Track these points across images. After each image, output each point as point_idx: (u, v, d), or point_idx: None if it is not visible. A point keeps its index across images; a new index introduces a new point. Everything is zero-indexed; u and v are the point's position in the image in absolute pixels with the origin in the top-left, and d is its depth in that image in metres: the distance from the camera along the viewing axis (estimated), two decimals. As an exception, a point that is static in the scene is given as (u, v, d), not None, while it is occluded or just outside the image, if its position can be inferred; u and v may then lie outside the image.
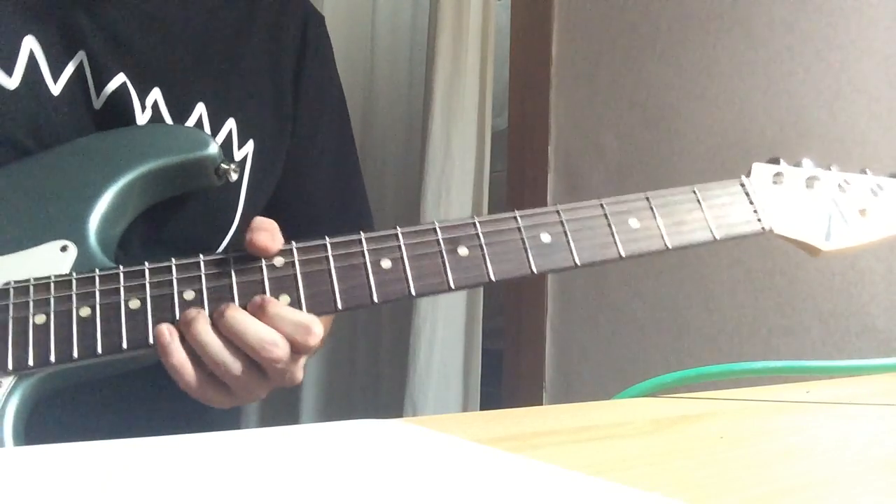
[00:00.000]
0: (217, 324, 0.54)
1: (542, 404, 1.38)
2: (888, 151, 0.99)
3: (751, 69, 1.15)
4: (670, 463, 0.38)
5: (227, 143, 0.73)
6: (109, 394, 0.69)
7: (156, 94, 0.70)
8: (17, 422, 0.54)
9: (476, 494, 0.27)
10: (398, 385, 1.52)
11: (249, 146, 0.74)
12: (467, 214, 1.50)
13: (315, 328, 0.55)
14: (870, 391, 0.64)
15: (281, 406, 1.68)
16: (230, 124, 0.73)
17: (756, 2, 1.15)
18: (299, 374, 0.58)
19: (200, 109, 0.72)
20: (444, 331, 1.48)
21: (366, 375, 1.71)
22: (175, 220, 0.69)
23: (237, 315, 0.54)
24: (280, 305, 0.55)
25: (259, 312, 0.55)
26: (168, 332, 0.54)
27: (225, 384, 0.56)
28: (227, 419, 0.84)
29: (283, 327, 0.55)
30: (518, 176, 1.50)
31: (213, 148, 0.64)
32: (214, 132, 0.72)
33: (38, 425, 0.57)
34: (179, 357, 0.54)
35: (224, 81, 0.74)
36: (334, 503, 0.26)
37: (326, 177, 0.82)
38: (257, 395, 0.58)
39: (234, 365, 0.54)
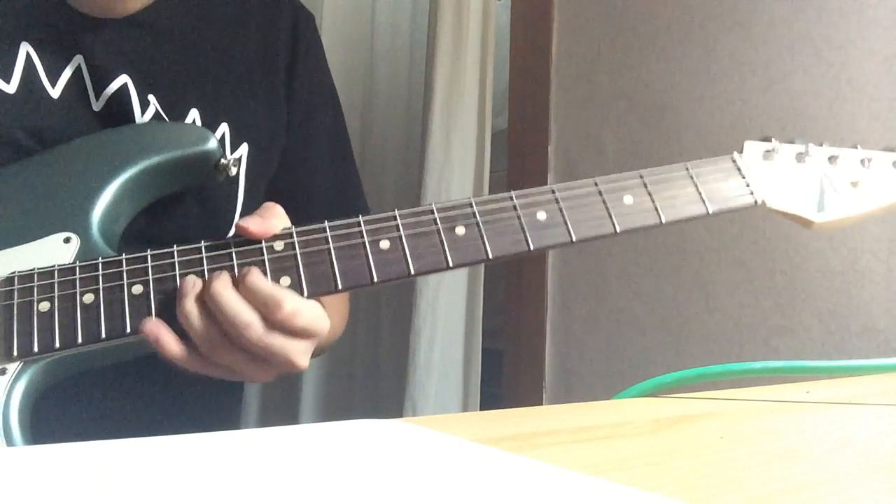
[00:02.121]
0: (204, 296, 0.55)
1: (542, 404, 1.38)
2: (888, 151, 0.99)
3: (751, 69, 1.15)
4: (670, 463, 0.38)
5: (220, 147, 0.74)
6: (114, 388, 0.69)
7: (152, 100, 0.71)
8: (24, 407, 0.55)
9: (476, 494, 0.27)
10: (398, 385, 1.51)
11: (244, 149, 0.75)
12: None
13: (286, 304, 0.54)
14: (870, 391, 0.64)
15: (281, 406, 1.68)
16: (223, 128, 0.74)
17: (756, 2, 1.15)
18: (298, 358, 0.56)
19: (194, 115, 0.73)
20: (444, 330, 1.48)
21: (366, 375, 1.70)
22: (175, 222, 0.70)
23: (219, 288, 0.54)
24: (258, 279, 0.55)
25: (240, 284, 0.55)
26: (154, 326, 0.54)
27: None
28: (227, 419, 0.84)
29: (254, 299, 0.54)
30: (518, 176, 1.50)
31: (213, 143, 0.66)
32: None
33: (47, 417, 0.57)
34: (173, 349, 0.54)
35: (217, 86, 0.75)
36: (334, 503, 0.26)
37: (323, 172, 0.83)
38: (257, 376, 0.57)
39: (213, 338, 0.54)
